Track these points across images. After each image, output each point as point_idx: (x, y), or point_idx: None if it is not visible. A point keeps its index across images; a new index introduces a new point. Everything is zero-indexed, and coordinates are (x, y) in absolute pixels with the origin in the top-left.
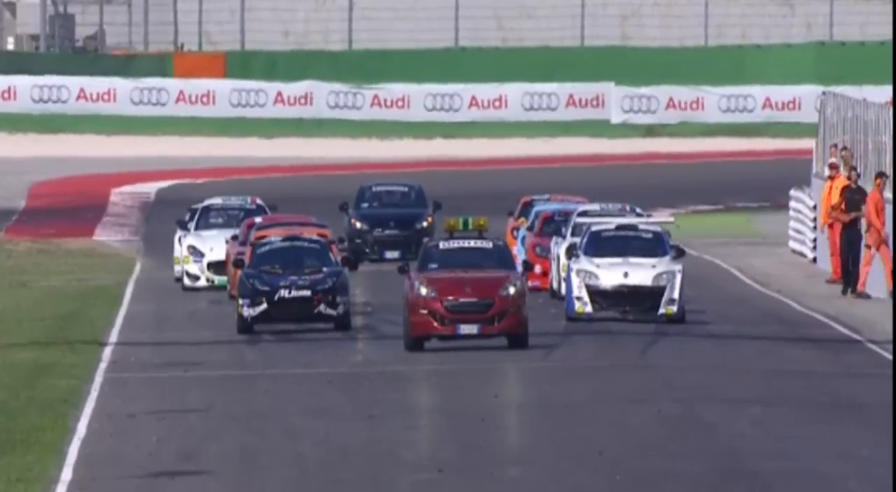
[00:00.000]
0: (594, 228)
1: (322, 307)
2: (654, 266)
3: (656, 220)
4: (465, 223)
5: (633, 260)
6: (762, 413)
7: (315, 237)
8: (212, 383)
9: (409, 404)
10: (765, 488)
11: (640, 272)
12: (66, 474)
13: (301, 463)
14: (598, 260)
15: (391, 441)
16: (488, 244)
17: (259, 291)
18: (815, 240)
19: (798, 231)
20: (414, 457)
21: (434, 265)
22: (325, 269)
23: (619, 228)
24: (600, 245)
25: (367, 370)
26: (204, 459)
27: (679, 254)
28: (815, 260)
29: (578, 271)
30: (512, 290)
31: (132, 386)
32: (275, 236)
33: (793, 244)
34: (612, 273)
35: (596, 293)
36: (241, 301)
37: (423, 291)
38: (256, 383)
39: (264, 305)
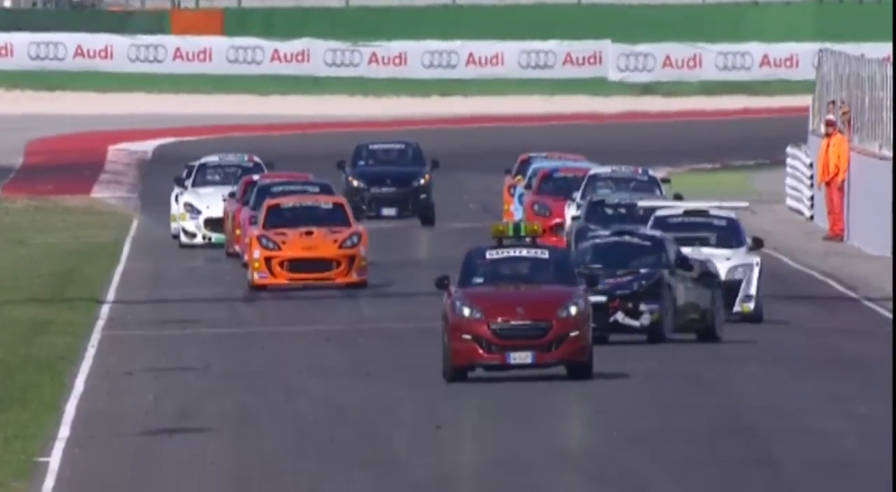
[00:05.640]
0: (659, 214)
1: (619, 316)
2: (728, 258)
3: (728, 204)
4: (516, 229)
5: (705, 251)
6: (759, 370)
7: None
8: (209, 341)
9: (407, 361)
10: (762, 445)
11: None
12: (64, 431)
13: (298, 421)
14: None
15: (388, 399)
16: (544, 253)
17: None
18: (812, 197)
19: (795, 189)
20: (411, 414)
21: (479, 280)
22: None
23: (688, 213)
24: (669, 233)
25: (365, 328)
26: (202, 416)
27: (757, 245)
28: (812, 217)
29: None
30: (573, 309)
31: (130, 344)
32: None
33: (790, 202)
34: None
35: None
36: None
37: (467, 311)
38: (254, 340)
39: None
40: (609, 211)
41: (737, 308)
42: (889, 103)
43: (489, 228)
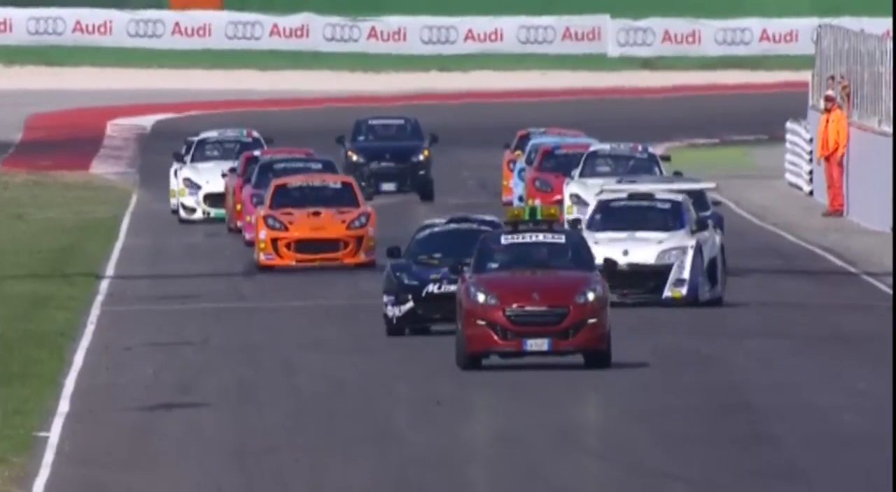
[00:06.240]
0: (603, 198)
1: None
2: (660, 242)
3: (693, 186)
4: (532, 213)
5: (639, 235)
6: (759, 346)
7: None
8: (208, 316)
9: (406, 337)
10: (762, 421)
11: (642, 249)
12: (64, 406)
13: (297, 396)
14: (598, 235)
15: (387, 374)
16: (560, 238)
17: (405, 286)
18: (811, 173)
19: (794, 164)
20: (410, 390)
21: (494, 265)
22: None
23: (633, 197)
24: (610, 218)
25: (364, 303)
26: (201, 391)
27: (701, 227)
28: (811, 193)
29: None
30: (591, 295)
31: (129, 319)
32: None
33: (789, 177)
34: (610, 250)
35: None
36: (384, 298)
37: (482, 297)
38: (253, 316)
39: (410, 304)
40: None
41: (666, 294)
42: (888, 79)
43: (505, 212)
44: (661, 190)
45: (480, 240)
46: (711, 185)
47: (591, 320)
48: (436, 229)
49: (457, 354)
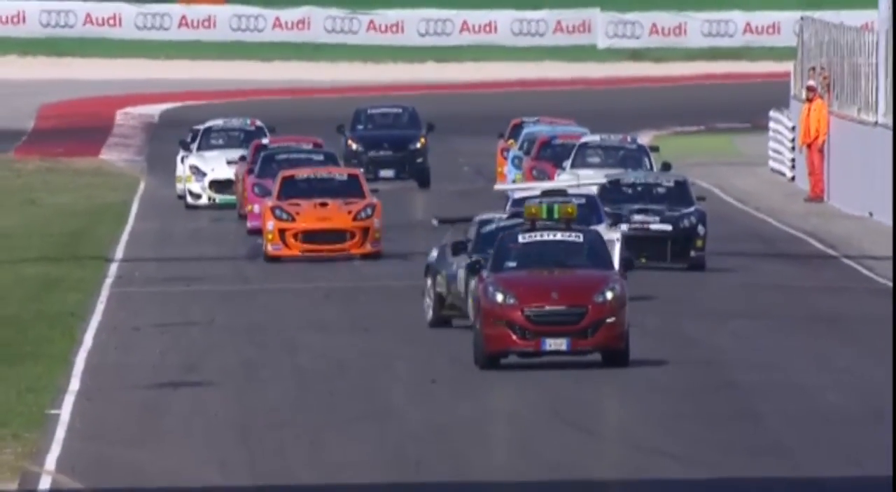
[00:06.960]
0: (516, 196)
1: None
2: None
3: (585, 181)
4: (550, 210)
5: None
6: (742, 327)
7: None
8: (213, 298)
9: (403, 317)
10: (745, 400)
11: None
12: (74, 383)
13: (299, 375)
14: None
15: (386, 354)
16: (578, 237)
17: None
18: (793, 160)
19: (777, 151)
20: (408, 369)
21: (511, 264)
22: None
23: (546, 194)
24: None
25: (364, 285)
26: (206, 370)
27: (616, 220)
28: (793, 179)
29: None
30: (609, 294)
31: (137, 300)
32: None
33: (772, 164)
34: None
35: None
36: None
37: (500, 297)
38: (257, 297)
39: None
40: (628, 190)
41: None
42: (866, 70)
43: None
44: (561, 188)
45: (498, 239)
46: (602, 179)
47: (610, 319)
48: (502, 225)
49: (475, 354)
